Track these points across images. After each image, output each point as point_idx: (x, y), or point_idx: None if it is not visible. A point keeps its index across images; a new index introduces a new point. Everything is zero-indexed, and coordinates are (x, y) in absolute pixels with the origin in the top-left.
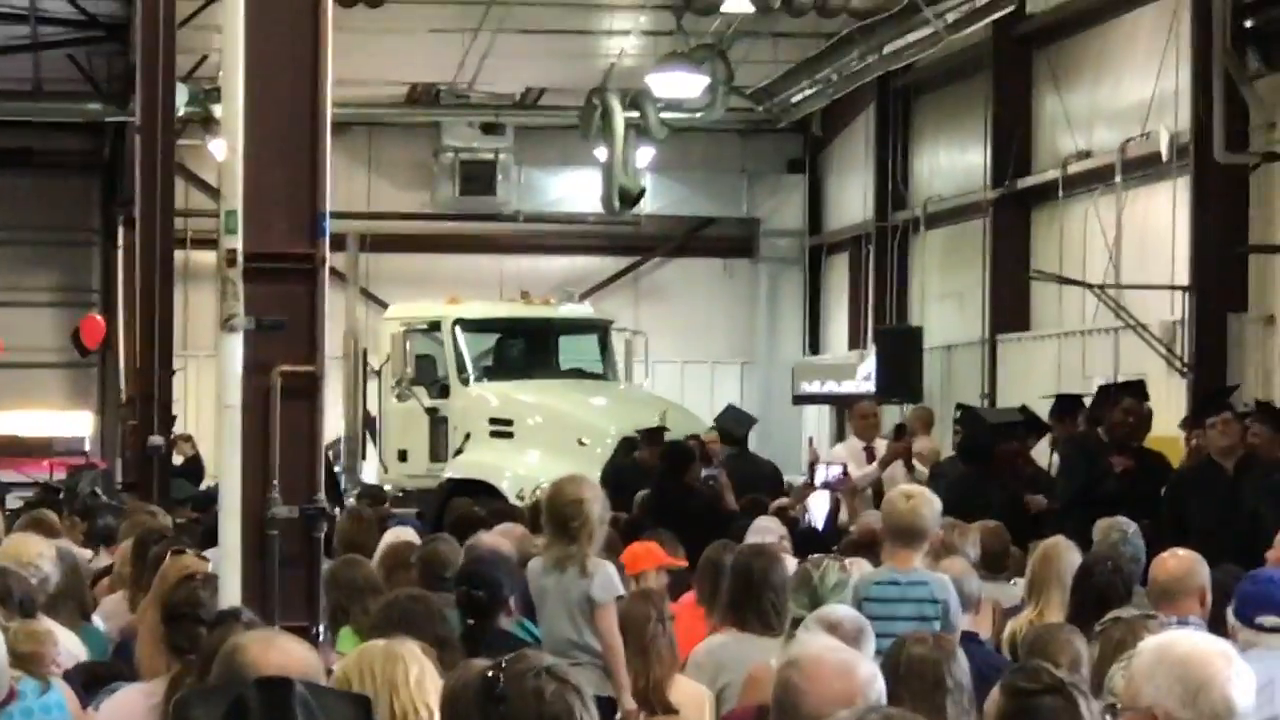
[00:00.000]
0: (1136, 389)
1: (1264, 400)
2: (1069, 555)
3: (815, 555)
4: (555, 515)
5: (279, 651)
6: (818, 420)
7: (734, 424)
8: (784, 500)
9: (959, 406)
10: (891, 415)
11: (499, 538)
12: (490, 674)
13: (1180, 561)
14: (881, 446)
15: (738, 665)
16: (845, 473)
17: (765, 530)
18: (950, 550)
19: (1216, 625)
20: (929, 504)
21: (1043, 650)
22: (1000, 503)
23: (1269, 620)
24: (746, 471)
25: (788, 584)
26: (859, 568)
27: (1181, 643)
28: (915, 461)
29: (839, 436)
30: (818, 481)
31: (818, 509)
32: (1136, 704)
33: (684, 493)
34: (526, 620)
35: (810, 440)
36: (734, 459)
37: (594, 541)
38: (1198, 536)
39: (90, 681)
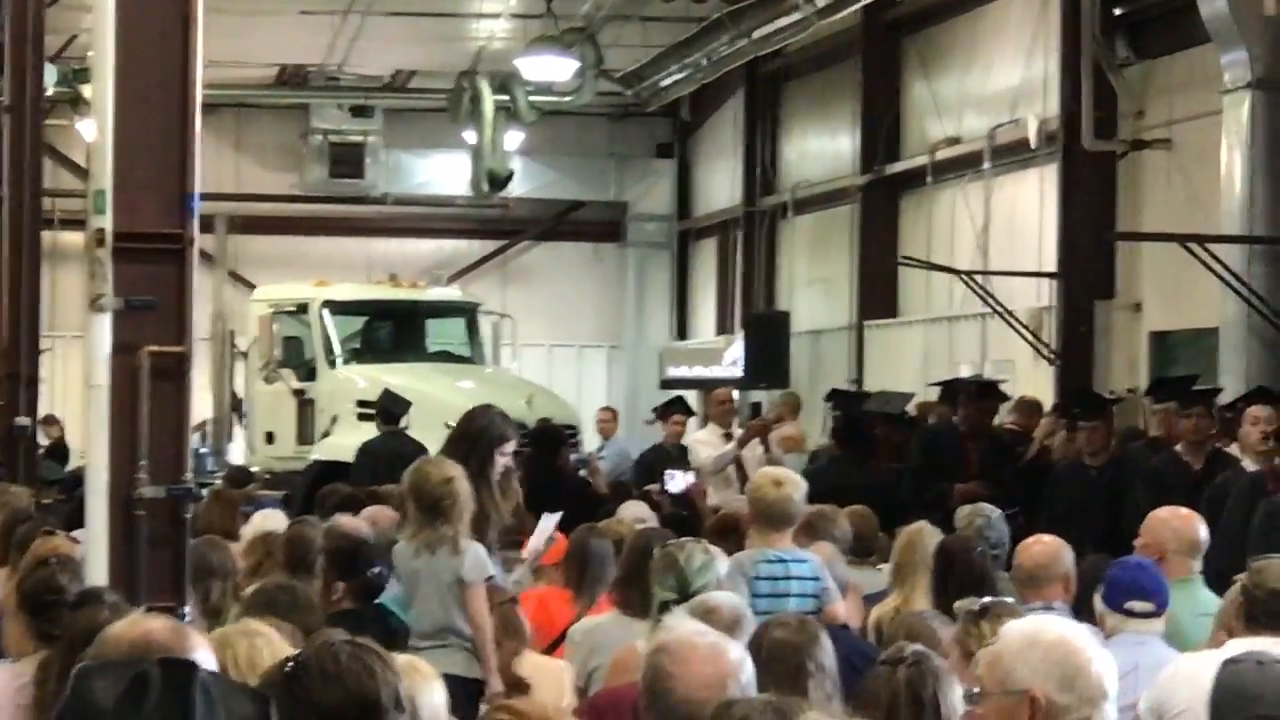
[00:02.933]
0: (988, 390)
1: (1130, 389)
2: (933, 540)
3: (677, 539)
4: (424, 497)
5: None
6: None
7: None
8: (652, 486)
9: (833, 393)
10: (758, 401)
11: (358, 520)
12: (290, 660)
13: (1045, 548)
14: (740, 432)
15: (612, 647)
16: (696, 483)
17: (632, 515)
18: (815, 535)
19: (1080, 613)
20: (798, 488)
21: (907, 637)
22: (871, 487)
23: (1138, 605)
24: None
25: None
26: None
27: (1053, 627)
28: (778, 447)
29: (704, 421)
30: (670, 487)
31: (675, 489)
32: (1006, 686)
33: (554, 476)
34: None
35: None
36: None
37: (464, 521)
38: (1063, 525)
39: None
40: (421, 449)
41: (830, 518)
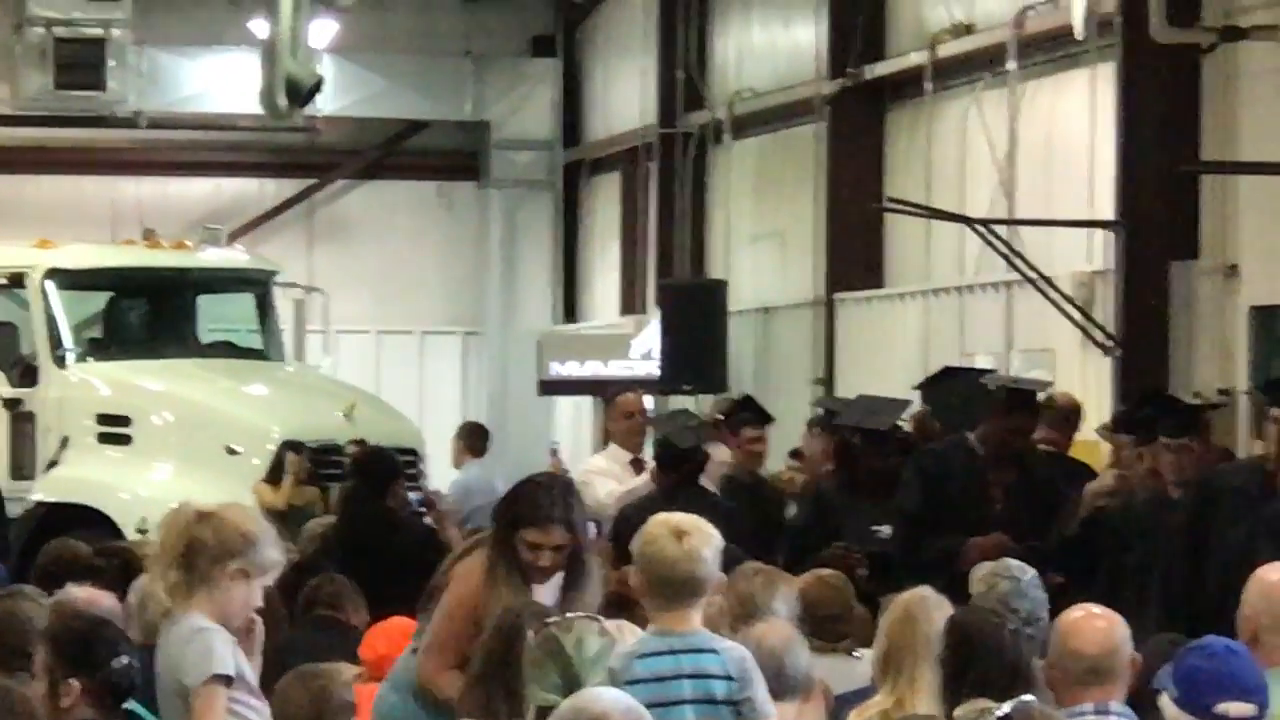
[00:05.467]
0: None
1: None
2: (939, 615)
3: (562, 616)
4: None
5: None
6: (575, 416)
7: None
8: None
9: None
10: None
11: (97, 591)
12: None
13: (1108, 625)
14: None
15: None
16: (599, 531)
17: None
18: (752, 609)
19: (1142, 708)
20: (710, 542)
21: None
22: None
23: (1234, 708)
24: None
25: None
26: (628, 633)
27: None
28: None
29: (604, 441)
30: None
31: None
32: None
33: (382, 523)
34: (140, 706)
35: (554, 450)
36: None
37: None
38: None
39: None
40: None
41: (758, 584)
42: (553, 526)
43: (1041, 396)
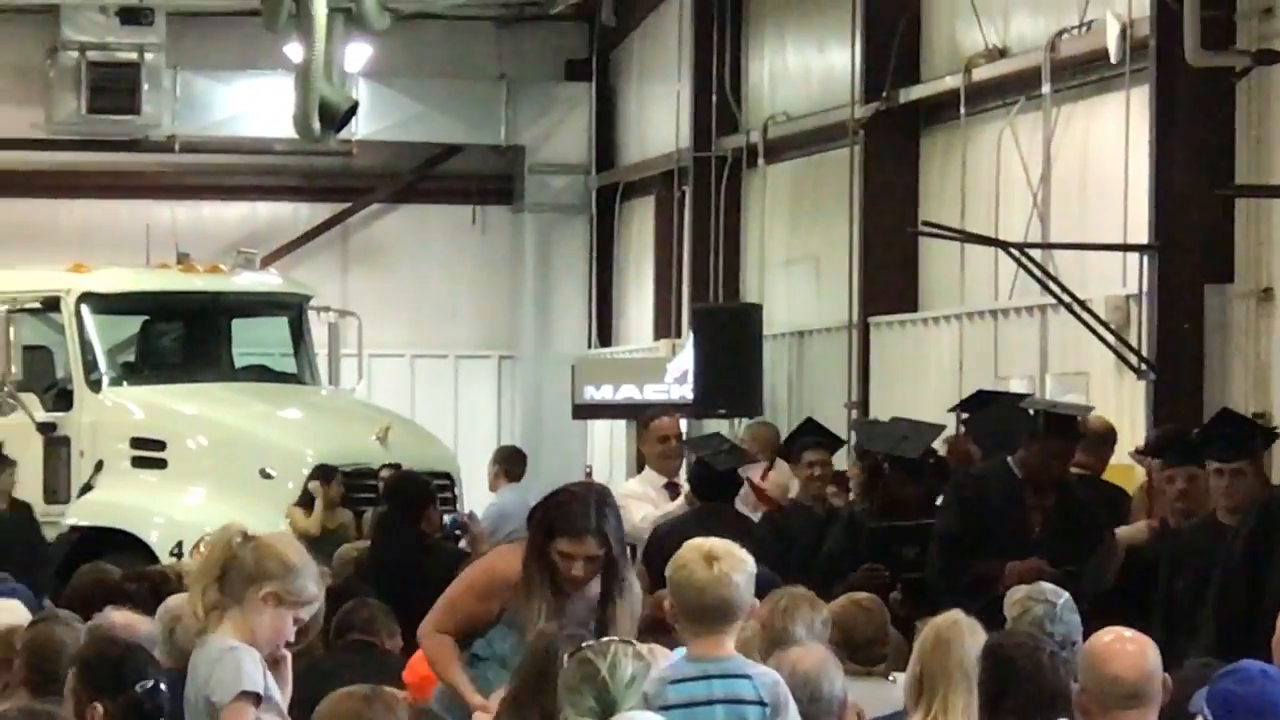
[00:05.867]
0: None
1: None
2: (973, 640)
3: (597, 640)
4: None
5: None
6: (609, 440)
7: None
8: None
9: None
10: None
11: (135, 615)
12: None
13: (1141, 648)
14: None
15: None
16: (634, 556)
17: None
18: (784, 634)
19: None
20: (741, 567)
21: None
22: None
23: None
24: None
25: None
26: (660, 657)
27: None
28: (748, 506)
29: (639, 466)
30: None
31: None
32: None
33: (416, 548)
34: None
35: (588, 473)
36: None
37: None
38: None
39: None
40: None
41: (789, 610)
42: (587, 537)
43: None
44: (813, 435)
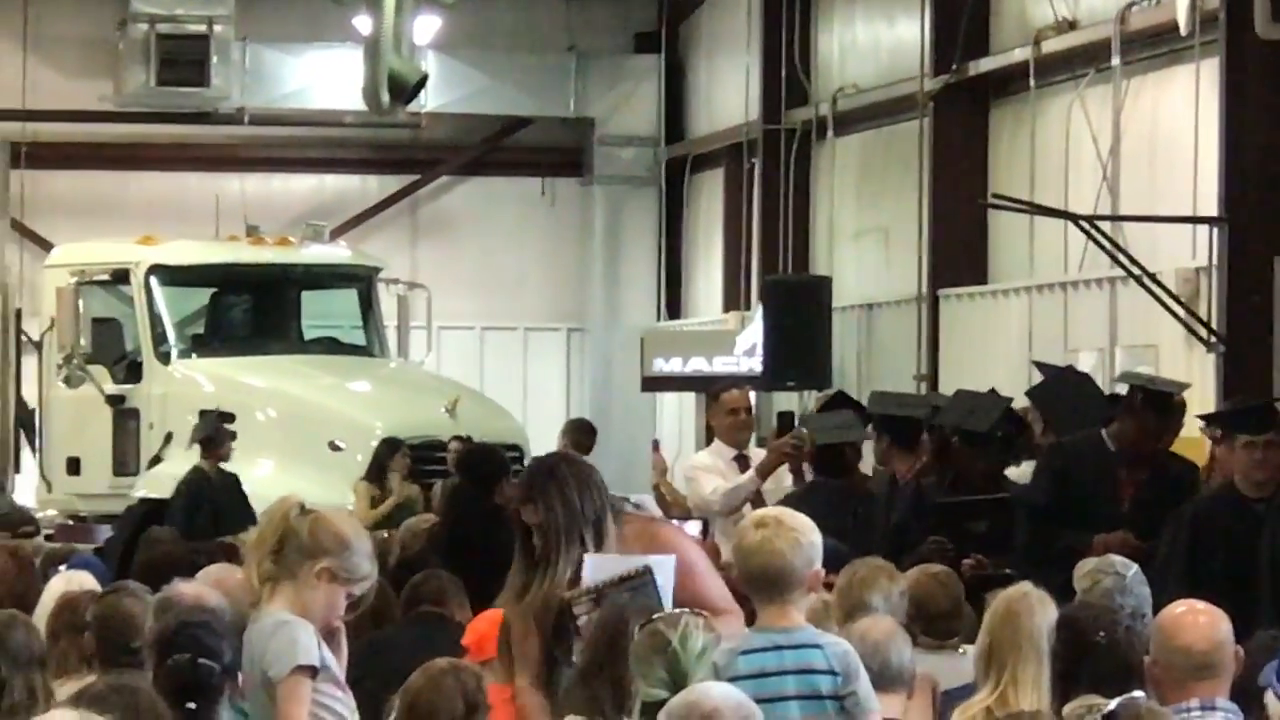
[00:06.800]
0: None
1: None
2: (1043, 612)
3: (668, 612)
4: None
5: None
6: (678, 412)
7: None
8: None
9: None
10: (788, 411)
11: (204, 587)
12: None
13: (1212, 619)
14: (759, 456)
15: None
16: (705, 531)
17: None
18: (856, 607)
19: (1247, 703)
20: (793, 532)
21: None
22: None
23: None
24: None
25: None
26: (734, 625)
27: None
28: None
29: (707, 438)
30: None
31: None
32: None
33: (489, 521)
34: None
35: (656, 445)
36: None
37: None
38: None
39: None
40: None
41: (867, 580)
42: (526, 504)
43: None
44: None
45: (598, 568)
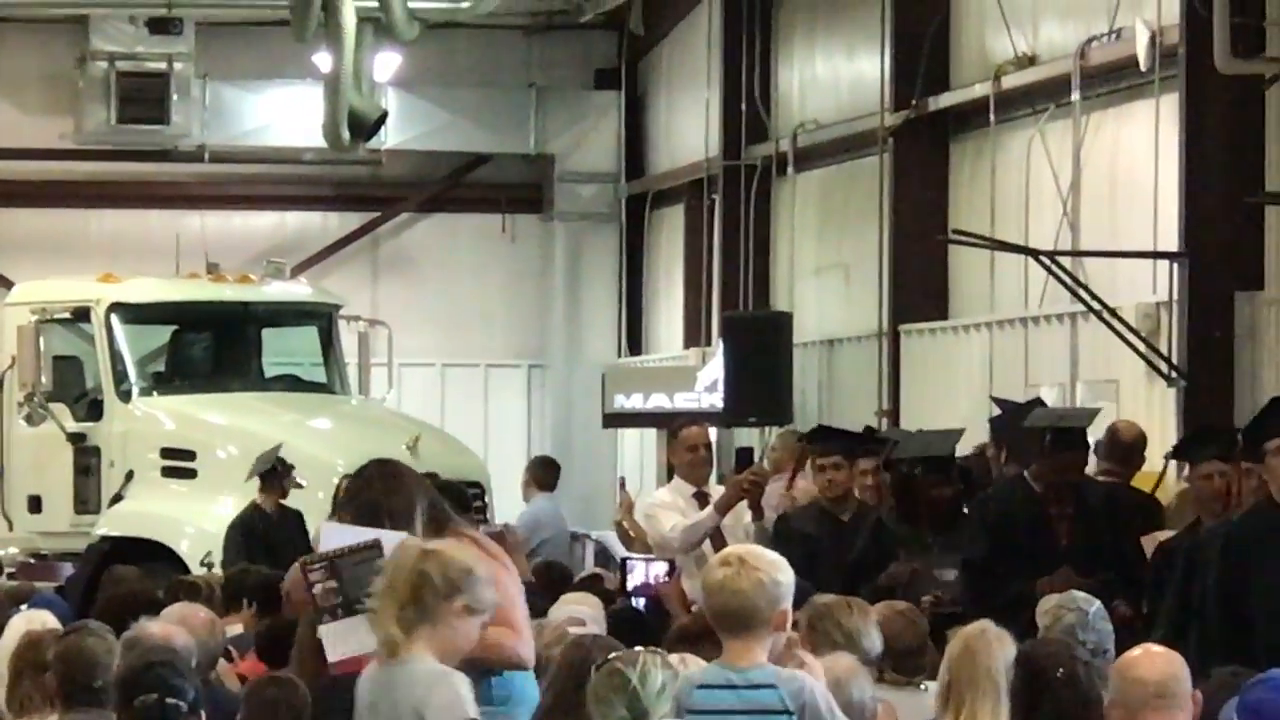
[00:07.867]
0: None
1: None
2: (1001, 649)
3: (628, 650)
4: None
5: None
6: (640, 449)
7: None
8: (600, 569)
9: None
10: (747, 447)
11: (172, 626)
12: None
13: (1166, 655)
14: (719, 493)
15: None
16: (671, 570)
17: (565, 615)
18: (820, 642)
19: None
20: (756, 572)
21: None
22: None
23: None
24: None
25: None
26: (692, 666)
27: None
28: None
29: (669, 475)
30: (630, 584)
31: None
32: None
33: None
34: None
35: (623, 482)
36: None
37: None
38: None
39: None
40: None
41: (832, 615)
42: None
43: (1092, 426)
44: (824, 442)
45: (332, 536)
